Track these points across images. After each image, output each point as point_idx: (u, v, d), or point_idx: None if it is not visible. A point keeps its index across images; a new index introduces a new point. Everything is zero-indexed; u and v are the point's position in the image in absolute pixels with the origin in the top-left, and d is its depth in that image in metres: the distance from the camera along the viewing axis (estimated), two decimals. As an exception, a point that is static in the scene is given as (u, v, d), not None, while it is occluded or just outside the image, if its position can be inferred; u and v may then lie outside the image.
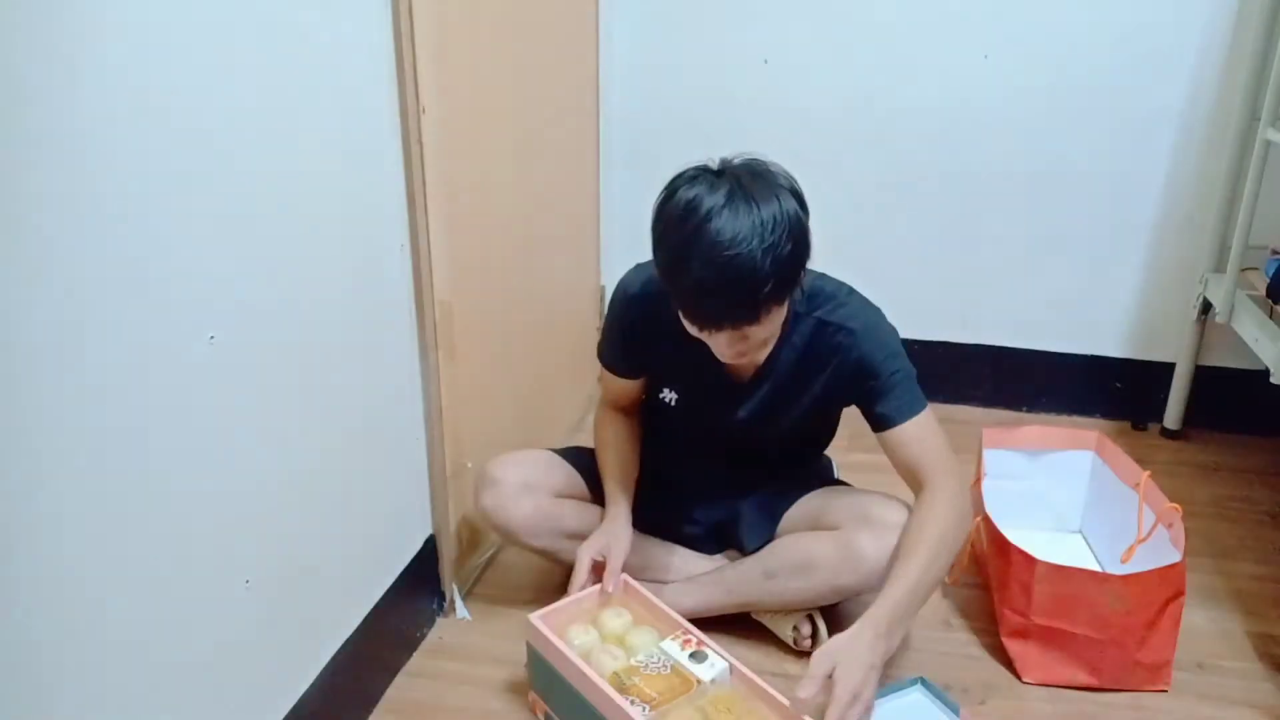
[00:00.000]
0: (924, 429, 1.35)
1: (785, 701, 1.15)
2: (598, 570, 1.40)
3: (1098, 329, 2.25)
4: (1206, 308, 2.08)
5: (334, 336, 1.22)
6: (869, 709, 1.13)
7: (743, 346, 1.25)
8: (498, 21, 1.59)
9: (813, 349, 1.37)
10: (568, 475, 1.56)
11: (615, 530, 1.44)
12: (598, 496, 1.56)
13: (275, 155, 1.06)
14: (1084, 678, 1.42)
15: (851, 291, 1.39)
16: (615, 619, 1.33)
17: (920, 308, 2.29)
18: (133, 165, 0.85)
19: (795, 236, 1.15)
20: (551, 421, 2.06)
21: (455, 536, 1.56)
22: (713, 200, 1.14)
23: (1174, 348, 2.20)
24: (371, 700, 1.39)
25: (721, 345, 1.24)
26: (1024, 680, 1.44)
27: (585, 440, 2.09)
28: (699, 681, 1.22)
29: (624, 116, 2.28)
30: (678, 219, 1.16)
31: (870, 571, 1.38)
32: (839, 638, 1.18)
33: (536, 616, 1.32)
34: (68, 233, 0.79)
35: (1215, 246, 2.06)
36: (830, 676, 1.13)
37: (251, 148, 1.01)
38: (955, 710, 1.30)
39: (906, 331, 2.39)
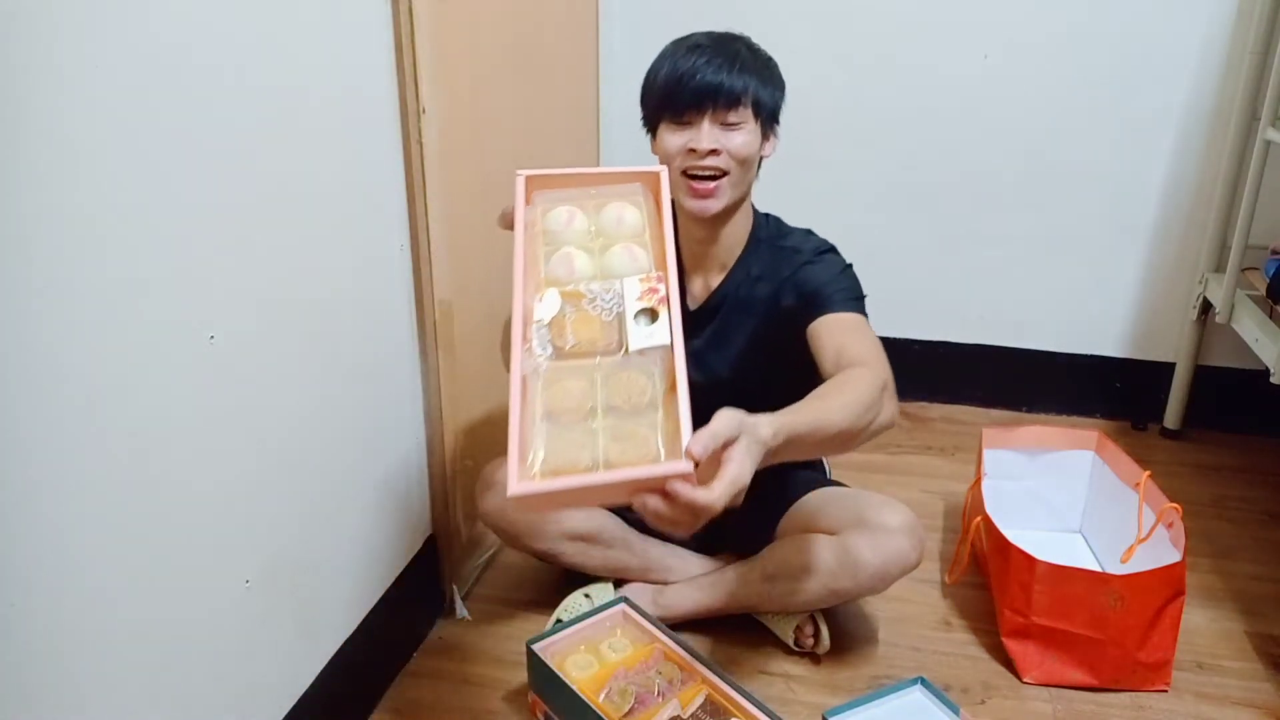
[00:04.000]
0: (858, 325, 1.30)
1: (686, 437, 0.88)
2: None
3: (1098, 329, 2.26)
4: (1206, 308, 2.08)
5: (334, 336, 1.22)
6: (740, 496, 0.91)
7: (720, 146, 1.32)
8: (498, 21, 1.59)
9: (767, 270, 1.43)
10: None
11: None
12: None
13: (275, 155, 1.06)
14: (1084, 677, 1.42)
15: (811, 233, 1.46)
16: (617, 222, 1.06)
17: (920, 308, 2.29)
18: (132, 165, 0.85)
19: (775, 66, 1.37)
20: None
21: (455, 537, 1.56)
22: (699, 35, 1.36)
23: (1174, 348, 2.20)
24: (371, 700, 1.39)
25: (702, 138, 1.31)
26: (1024, 680, 1.44)
27: (585, 440, 2.10)
28: (626, 351, 0.95)
29: (624, 116, 2.27)
30: (669, 47, 1.36)
31: (868, 577, 1.38)
32: (751, 421, 0.94)
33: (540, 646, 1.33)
34: (68, 233, 0.79)
35: (1215, 246, 2.06)
36: (723, 448, 0.91)
37: (251, 147, 1.02)
38: (955, 710, 1.30)
39: (906, 331, 2.38)
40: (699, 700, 1.26)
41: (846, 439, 1.10)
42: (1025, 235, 2.21)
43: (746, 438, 0.91)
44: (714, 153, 1.32)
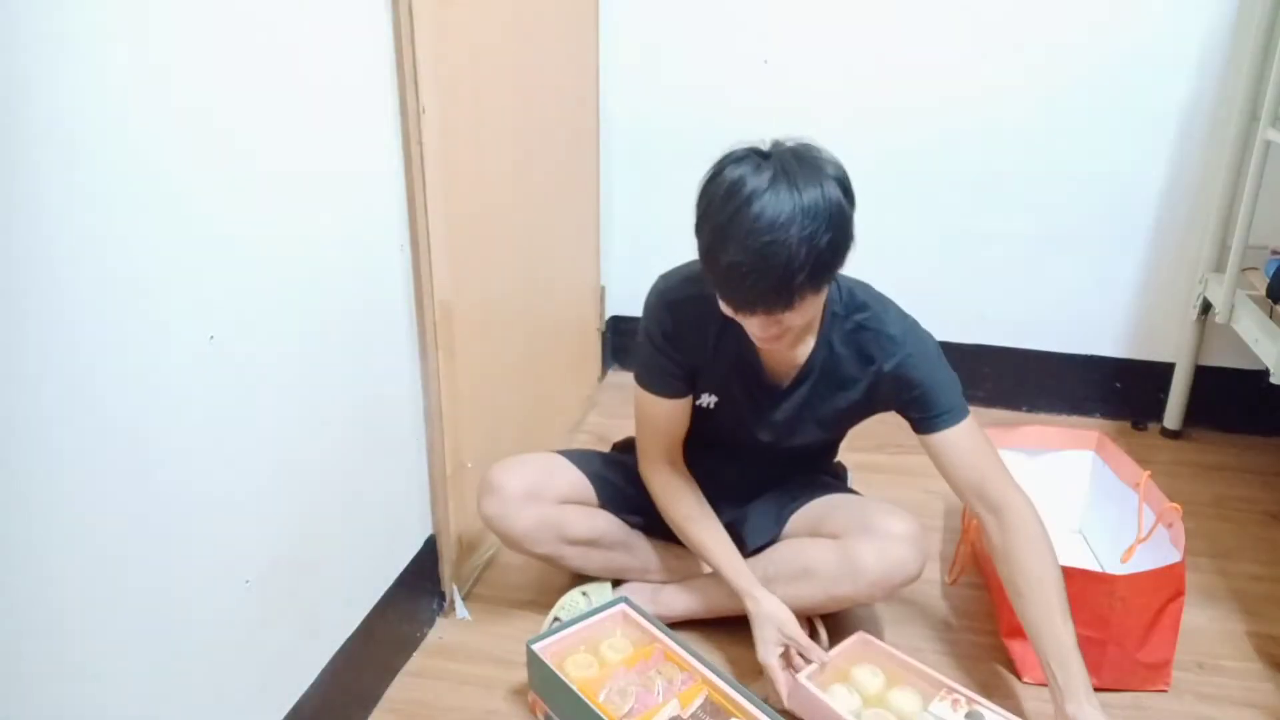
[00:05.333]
0: (974, 437, 1.33)
1: None
2: (787, 659, 1.36)
3: (1098, 329, 2.26)
4: (1206, 308, 2.08)
5: (334, 336, 1.22)
6: None
7: (777, 330, 1.22)
8: (498, 21, 1.59)
9: (851, 353, 1.35)
10: (573, 479, 1.53)
11: (772, 612, 1.36)
12: (604, 501, 1.54)
13: (275, 155, 1.06)
14: (1084, 678, 1.42)
15: (889, 302, 1.38)
16: (871, 679, 1.30)
17: (920, 308, 2.27)
18: (132, 165, 0.86)
19: (835, 225, 1.15)
20: (551, 422, 2.06)
21: (455, 536, 1.56)
22: (756, 182, 1.12)
23: (1174, 348, 2.20)
24: (371, 700, 1.39)
25: (755, 328, 1.22)
26: (1024, 680, 1.44)
27: (584, 441, 2.10)
28: None
29: (624, 116, 2.28)
30: (721, 199, 1.14)
31: (869, 583, 1.37)
32: None
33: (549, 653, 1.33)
34: (67, 233, 0.79)
35: (1215, 246, 2.06)
36: None
37: (251, 148, 1.02)
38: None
39: (906, 331, 2.35)
40: (699, 700, 1.26)
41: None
42: (1025, 235, 2.21)
43: None
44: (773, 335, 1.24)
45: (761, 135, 1.20)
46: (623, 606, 1.42)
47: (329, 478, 1.24)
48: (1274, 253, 1.89)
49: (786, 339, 1.26)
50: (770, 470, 1.54)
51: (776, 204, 1.11)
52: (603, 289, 2.37)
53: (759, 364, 1.37)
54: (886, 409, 1.38)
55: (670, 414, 1.44)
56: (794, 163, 1.14)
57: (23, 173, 0.75)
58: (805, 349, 1.35)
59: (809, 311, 1.21)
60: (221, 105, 0.96)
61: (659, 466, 1.47)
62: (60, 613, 0.83)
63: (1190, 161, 2.09)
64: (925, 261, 2.27)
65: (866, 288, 1.38)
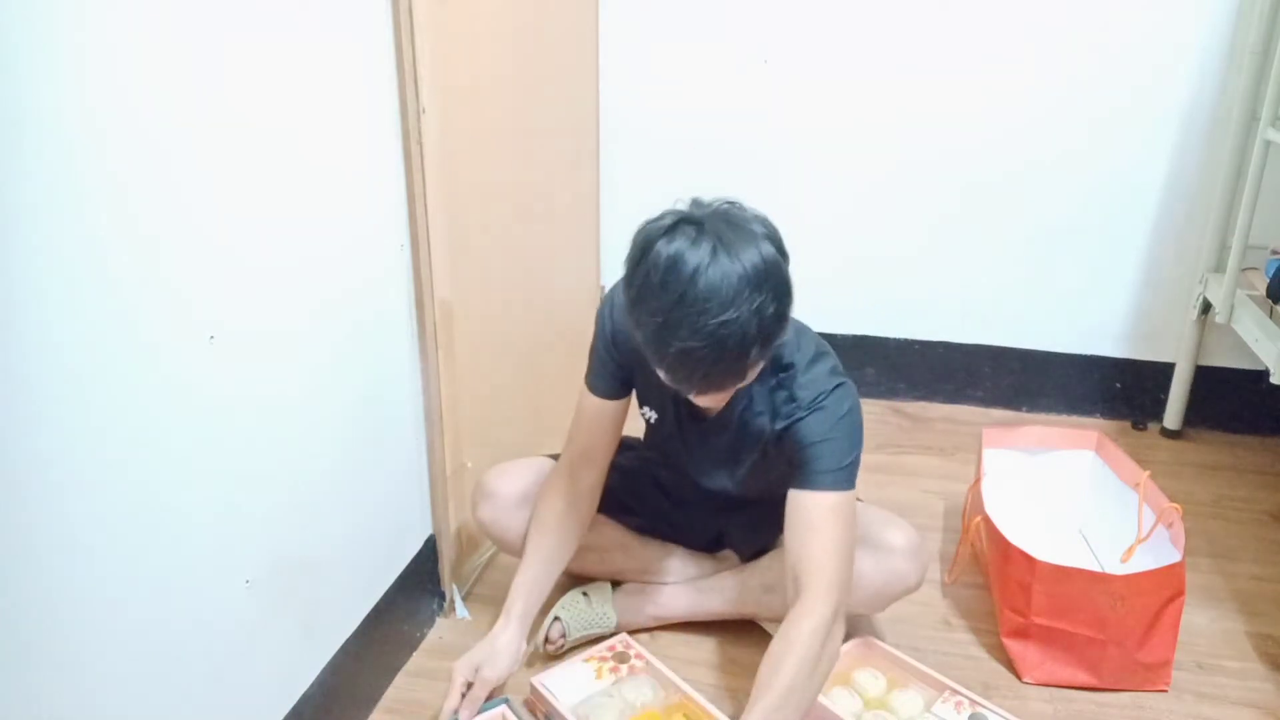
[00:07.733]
0: (830, 514, 1.24)
1: None
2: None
3: (1098, 329, 2.26)
4: (1206, 308, 2.08)
5: (334, 336, 1.22)
6: None
7: (724, 397, 1.23)
8: (498, 21, 1.59)
9: (766, 405, 1.32)
10: None
11: (494, 650, 1.31)
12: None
13: (275, 155, 1.06)
14: (1084, 678, 1.42)
15: (822, 358, 1.31)
16: (873, 682, 1.29)
17: (921, 308, 2.29)
18: (132, 165, 0.85)
19: (778, 290, 1.09)
20: (551, 422, 2.05)
21: (455, 536, 1.56)
22: (696, 258, 1.05)
23: (1174, 348, 2.20)
24: (371, 700, 1.39)
25: (705, 401, 1.23)
26: (1024, 680, 1.44)
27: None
28: None
29: (624, 116, 2.28)
30: (659, 282, 1.07)
31: (868, 595, 1.37)
32: None
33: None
34: (68, 233, 0.79)
35: (1215, 246, 2.06)
36: None
37: (251, 147, 1.02)
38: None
39: (907, 332, 2.37)
40: None
41: (797, 715, 1.17)
42: (1025, 235, 2.21)
43: None
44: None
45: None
46: (502, 709, 1.30)
47: (329, 478, 1.24)
48: (1274, 253, 1.89)
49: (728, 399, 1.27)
50: (732, 505, 1.51)
51: (722, 280, 1.05)
52: (602, 289, 2.37)
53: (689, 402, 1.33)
54: (786, 467, 1.30)
55: (595, 414, 1.40)
56: (726, 229, 1.08)
57: (23, 172, 0.75)
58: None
59: (754, 374, 1.17)
60: (221, 105, 0.96)
61: (559, 478, 1.43)
62: (61, 613, 0.83)
63: (1190, 161, 2.09)
64: (925, 261, 2.27)
65: (801, 342, 1.31)
